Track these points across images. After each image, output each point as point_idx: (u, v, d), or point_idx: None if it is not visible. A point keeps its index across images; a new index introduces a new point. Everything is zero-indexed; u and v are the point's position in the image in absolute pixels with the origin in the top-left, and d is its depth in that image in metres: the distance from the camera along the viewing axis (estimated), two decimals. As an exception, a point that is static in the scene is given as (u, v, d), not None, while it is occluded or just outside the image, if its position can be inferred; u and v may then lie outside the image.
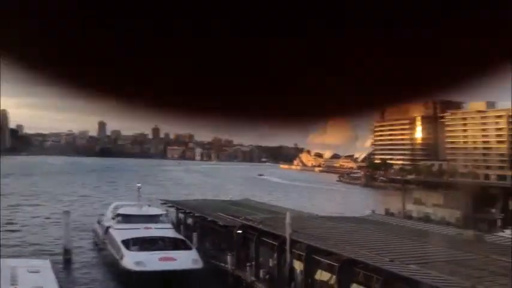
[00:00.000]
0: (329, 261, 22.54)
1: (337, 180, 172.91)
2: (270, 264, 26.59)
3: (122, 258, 28.59)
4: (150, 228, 33.50)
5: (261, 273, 26.27)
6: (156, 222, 35.24)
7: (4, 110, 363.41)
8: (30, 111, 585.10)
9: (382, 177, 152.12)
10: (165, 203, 46.44)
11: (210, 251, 32.48)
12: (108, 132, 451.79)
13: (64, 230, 35.45)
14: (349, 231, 28.13)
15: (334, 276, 21.90)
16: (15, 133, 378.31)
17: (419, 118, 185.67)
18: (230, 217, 34.05)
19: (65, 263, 32.80)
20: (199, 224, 38.06)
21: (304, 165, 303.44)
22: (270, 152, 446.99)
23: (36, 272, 20.89)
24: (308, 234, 25.89)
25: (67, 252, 34.13)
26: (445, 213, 40.24)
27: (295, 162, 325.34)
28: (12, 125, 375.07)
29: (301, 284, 23.78)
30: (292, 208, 38.68)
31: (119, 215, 36.56)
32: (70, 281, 28.28)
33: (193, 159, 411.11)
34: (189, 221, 41.44)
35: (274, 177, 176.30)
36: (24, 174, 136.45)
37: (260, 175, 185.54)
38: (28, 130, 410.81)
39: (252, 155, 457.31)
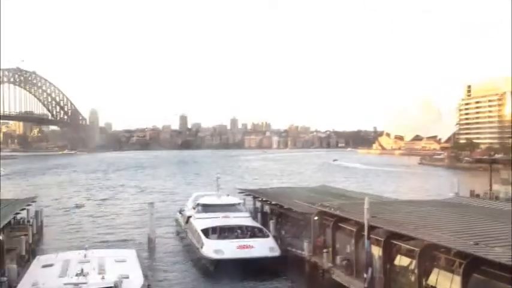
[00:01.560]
0: (409, 246, 21.85)
1: (419, 163, 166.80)
2: (348, 251, 26.20)
3: (201, 246, 29.48)
4: (229, 217, 34.20)
5: (338, 259, 25.97)
6: (234, 211, 35.91)
7: (94, 109, 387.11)
8: (119, 109, 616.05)
9: (467, 158, 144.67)
10: (242, 192, 47.22)
11: (287, 238, 32.57)
12: (189, 125, 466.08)
13: (149, 221, 37.01)
14: (430, 215, 27.05)
15: (414, 262, 21.20)
16: (104, 131, 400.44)
17: (508, 93, 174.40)
18: (307, 204, 33.90)
19: (149, 252, 34.34)
20: (276, 212, 38.28)
21: (383, 148, 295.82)
22: (347, 137, 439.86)
23: (123, 262, 21.86)
24: (387, 220, 25.22)
25: (151, 241, 35.69)
26: (535, 192, 37.59)
27: (374, 146, 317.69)
28: (101, 123, 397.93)
29: (379, 269, 23.23)
30: (369, 193, 37.89)
31: (198, 204, 37.62)
32: (154, 269, 29.51)
33: (270, 147, 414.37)
34: (266, 209, 41.80)
35: (351, 162, 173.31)
36: (114, 169, 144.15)
37: (335, 160, 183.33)
38: (116, 127, 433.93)
39: (329, 141, 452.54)
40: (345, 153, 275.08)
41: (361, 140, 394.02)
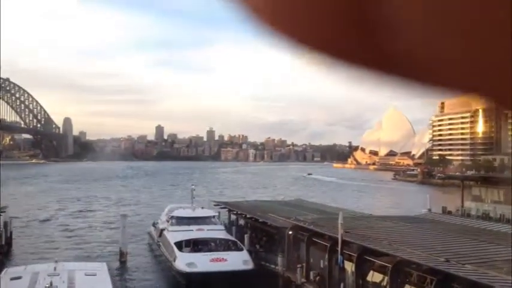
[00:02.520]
0: (381, 262, 22.03)
1: (393, 178, 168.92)
2: (321, 266, 26.27)
3: (174, 259, 29.19)
4: (203, 229, 33.95)
5: (312, 274, 26.00)
6: (208, 223, 35.66)
7: (68, 118, 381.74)
8: (92, 118, 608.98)
9: (440, 174, 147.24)
10: (217, 205, 46.98)
11: (261, 252, 32.49)
12: (165, 136, 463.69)
13: (121, 233, 36.48)
14: (403, 231, 27.39)
15: (386, 278, 21.37)
16: (78, 140, 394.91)
17: (481, 110, 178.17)
18: (282, 218, 33.92)
19: (120, 265, 33.81)
20: (250, 225, 38.20)
21: (358, 163, 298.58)
22: (323, 151, 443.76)
23: (93, 275, 21.51)
24: (360, 235, 25.42)
25: (123, 254, 35.16)
26: (505, 210, 38.35)
27: (349, 160, 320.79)
28: (75, 132, 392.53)
29: (352, 285, 23.35)
30: (343, 208, 38.14)
31: (172, 217, 37.25)
32: (125, 283, 29.06)
33: (246, 160, 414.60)
34: (241, 222, 41.68)
35: (326, 176, 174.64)
36: (88, 179, 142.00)
37: (309, 174, 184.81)
38: (90, 137, 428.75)
39: (305, 155, 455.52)
40: (321, 167, 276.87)
41: (336, 154, 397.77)
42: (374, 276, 22.38)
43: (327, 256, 25.67)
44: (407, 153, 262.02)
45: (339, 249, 24.00)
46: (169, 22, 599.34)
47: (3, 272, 22.70)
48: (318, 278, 25.50)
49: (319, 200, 52.31)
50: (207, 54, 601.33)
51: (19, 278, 20.41)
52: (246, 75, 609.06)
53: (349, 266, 23.85)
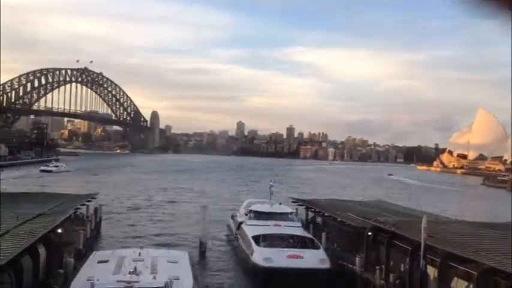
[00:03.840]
0: (467, 269, 20.97)
1: (482, 184, 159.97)
2: (401, 269, 25.43)
3: (251, 253, 29.51)
4: (280, 225, 34.07)
5: (391, 277, 25.23)
6: (285, 220, 35.74)
7: (155, 112, 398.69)
8: (178, 112, 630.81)
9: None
10: (295, 202, 46.99)
11: (338, 251, 32.05)
12: (246, 132, 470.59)
13: (201, 224, 37.50)
14: (490, 238, 25.86)
15: (472, 285, 20.30)
16: (164, 133, 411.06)
17: None
18: (361, 218, 33.29)
19: (200, 255, 34.78)
20: (328, 224, 37.82)
21: (444, 166, 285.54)
22: (407, 152, 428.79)
23: (175, 263, 22.20)
24: (445, 240, 24.34)
25: (202, 245, 36.14)
26: None
27: (434, 163, 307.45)
28: (161, 125, 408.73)
29: (434, 291, 22.42)
30: (426, 211, 36.70)
31: (251, 211, 37.73)
32: (204, 273, 29.81)
33: (326, 158, 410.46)
34: (318, 220, 41.39)
35: (409, 178, 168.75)
36: (173, 171, 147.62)
37: (389, 175, 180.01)
38: (175, 130, 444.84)
39: (388, 155, 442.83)
40: (404, 168, 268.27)
41: (421, 156, 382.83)
42: (458, 283, 21.31)
43: (408, 260, 24.83)
44: (498, 158, 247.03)
45: (422, 253, 23.12)
46: (257, 21, 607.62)
47: (92, 255, 24.09)
48: (398, 281, 24.72)
49: (400, 203, 50.64)
50: (291, 53, 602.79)
51: (106, 261, 21.48)
52: (325, 75, 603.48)
53: (432, 271, 22.91)
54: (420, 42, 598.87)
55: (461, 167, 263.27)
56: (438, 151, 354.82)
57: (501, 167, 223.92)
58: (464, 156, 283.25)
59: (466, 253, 21.55)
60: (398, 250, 26.33)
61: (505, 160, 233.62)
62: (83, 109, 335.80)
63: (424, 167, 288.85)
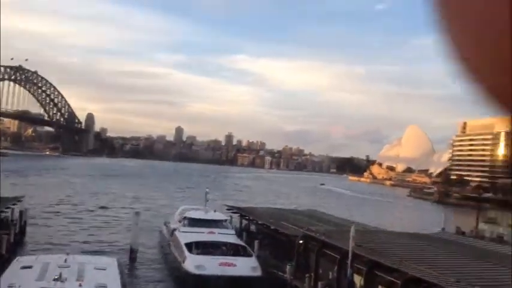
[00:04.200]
0: (391, 278, 21.83)
1: (408, 195, 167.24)
2: (330, 277, 26.15)
3: (183, 260, 29.28)
4: (214, 233, 34.03)
5: (320, 285, 25.86)
6: (220, 227, 35.75)
7: (91, 113, 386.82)
8: (114, 115, 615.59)
9: (456, 194, 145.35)
10: (230, 209, 47.09)
11: (270, 259, 32.43)
12: (185, 138, 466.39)
13: (132, 230, 36.76)
14: (415, 248, 27.10)
15: (395, 294, 21.18)
16: (99, 136, 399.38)
17: (503, 133, 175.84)
18: (293, 226, 33.88)
19: (130, 262, 34.06)
20: (261, 232, 38.19)
21: (374, 177, 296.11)
22: (340, 163, 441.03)
23: (103, 270, 21.64)
24: (371, 249, 25.24)
25: (133, 251, 35.42)
26: (521, 235, 37.71)
27: (365, 174, 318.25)
28: (97, 128, 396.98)
29: (360, 299, 23.21)
30: (355, 221, 37.91)
31: (185, 218, 37.45)
32: (133, 280, 29.26)
33: (262, 166, 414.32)
34: (253, 228, 41.70)
35: (340, 188, 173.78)
36: (106, 175, 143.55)
37: (322, 184, 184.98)
38: (111, 133, 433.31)
39: (322, 166, 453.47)
40: (337, 179, 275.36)
41: (353, 167, 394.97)
42: (382, 292, 22.21)
43: (336, 268, 25.56)
44: (424, 171, 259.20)
45: (349, 262, 23.87)
46: (202, 28, 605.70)
47: (14, 260, 23.03)
48: (325, 288, 25.40)
49: (331, 212, 51.99)
50: (235, 61, 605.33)
51: (30, 267, 20.64)
52: (268, 83, 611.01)
53: (358, 280, 23.71)
54: (360, 56, 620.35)
55: (390, 179, 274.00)
56: (369, 163, 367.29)
57: (427, 179, 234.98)
58: (392, 169, 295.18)
59: (391, 262, 22.46)
60: (327, 258, 27.05)
61: (431, 173, 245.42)
62: (14, 108, 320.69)
63: (355, 178, 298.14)
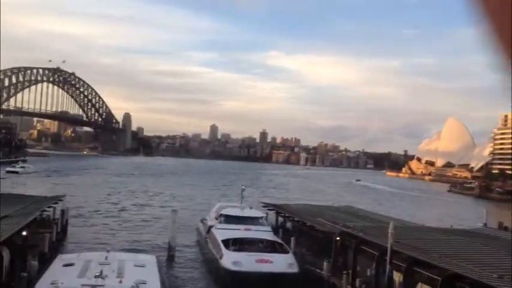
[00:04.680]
0: (431, 275, 21.37)
1: (448, 190, 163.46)
2: (368, 274, 25.80)
3: (221, 257, 29.46)
4: (250, 229, 34.11)
5: (358, 282, 25.56)
6: (256, 224, 35.80)
7: (128, 113, 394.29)
8: (150, 114, 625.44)
9: (498, 189, 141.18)
10: (265, 206, 47.12)
11: (307, 256, 32.27)
12: (219, 136, 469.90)
13: (171, 228, 37.22)
14: (455, 244, 26.47)
15: (435, 291, 20.71)
16: (136, 135, 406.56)
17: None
18: (330, 223, 33.61)
19: (168, 259, 34.52)
20: (297, 228, 38.05)
21: (413, 173, 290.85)
22: (377, 159, 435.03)
23: (142, 267, 21.99)
24: (410, 245, 24.78)
25: (171, 248, 35.88)
26: None
27: (403, 169, 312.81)
28: (134, 127, 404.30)
29: (399, 296, 22.81)
30: (393, 217, 37.31)
31: (221, 215, 37.67)
32: (172, 277, 29.62)
33: (297, 163, 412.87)
34: (288, 224, 41.63)
35: (378, 183, 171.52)
36: (145, 174, 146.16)
37: (357, 180, 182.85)
38: (147, 132, 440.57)
39: (358, 161, 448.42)
40: (374, 174, 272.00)
41: (390, 162, 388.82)
42: (422, 289, 21.76)
43: (374, 265, 25.20)
44: (465, 166, 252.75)
45: (388, 258, 23.49)
46: (233, 25, 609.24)
47: (57, 258, 23.68)
48: (364, 285, 25.06)
49: (368, 208, 51.38)
50: (266, 58, 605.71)
51: (71, 264, 21.15)
52: (301, 79, 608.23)
53: (397, 277, 23.30)
54: (393, 49, 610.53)
55: (429, 174, 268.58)
56: (407, 158, 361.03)
57: (467, 174, 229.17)
58: (432, 163, 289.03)
59: (431, 259, 21.98)
60: (365, 255, 26.69)
61: (472, 168, 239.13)
62: (54, 109, 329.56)
63: (393, 173, 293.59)
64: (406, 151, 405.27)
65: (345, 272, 26.52)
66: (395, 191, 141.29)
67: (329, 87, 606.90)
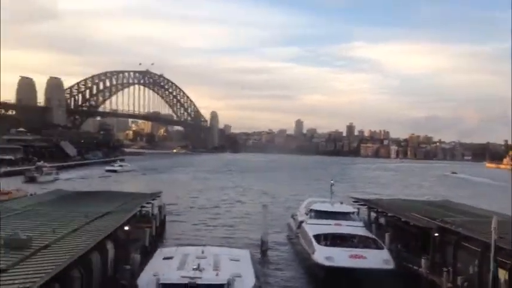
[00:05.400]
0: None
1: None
2: (470, 272, 24.41)
3: (313, 252, 29.24)
4: (342, 225, 33.60)
5: (459, 280, 24.26)
6: (347, 219, 35.21)
7: (214, 112, 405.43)
8: (236, 112, 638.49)
9: None
10: (356, 201, 46.23)
11: (402, 252, 31.20)
12: (305, 131, 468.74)
13: (262, 223, 37.64)
14: None
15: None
16: (223, 132, 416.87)
17: None
18: (426, 218, 32.23)
19: (261, 254, 34.93)
20: (391, 224, 36.89)
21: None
22: (474, 150, 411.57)
23: (237, 261, 22.45)
24: (517, 242, 23.14)
25: (264, 243, 36.27)
26: None
27: (504, 160, 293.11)
28: (220, 125, 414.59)
29: (506, 295, 21.36)
30: (495, 211, 35.02)
31: (311, 210, 37.47)
32: (265, 271, 29.94)
33: (388, 156, 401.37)
34: (381, 220, 40.49)
35: (476, 176, 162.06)
36: (234, 170, 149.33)
37: (453, 173, 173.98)
38: (234, 130, 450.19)
39: (454, 153, 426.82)
40: (472, 166, 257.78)
41: (490, 153, 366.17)
42: (532, 288, 20.23)
43: (477, 262, 23.81)
44: None
45: (492, 255, 22.09)
46: (310, 18, 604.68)
47: (157, 251, 24.83)
48: (466, 283, 23.75)
49: (467, 202, 48.61)
50: (347, 49, 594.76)
51: (171, 258, 22.08)
52: (385, 69, 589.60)
53: (503, 274, 21.85)
54: (482, 34, 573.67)
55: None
56: (508, 148, 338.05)
57: None
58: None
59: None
60: (466, 252, 25.31)
61: None
62: (146, 110, 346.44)
63: (493, 165, 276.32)
64: (506, 141, 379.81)
65: (445, 269, 25.32)
66: (496, 183, 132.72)
67: (417, 76, 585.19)
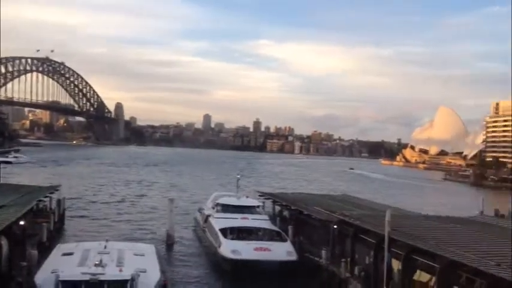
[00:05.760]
0: (429, 262, 21.50)
1: (443, 179, 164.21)
2: (366, 262, 25.92)
3: (219, 246, 29.54)
4: (247, 218, 34.19)
5: (356, 269, 25.69)
6: (253, 213, 35.94)
7: (120, 103, 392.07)
8: (143, 104, 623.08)
9: (492, 176, 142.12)
10: (262, 195, 47.18)
11: (304, 244, 32.40)
12: (213, 125, 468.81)
13: (168, 217, 37.24)
14: (453, 232, 26.58)
15: (434, 278, 20.84)
16: (129, 124, 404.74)
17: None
18: (326, 212, 33.66)
19: (167, 248, 34.56)
20: (294, 217, 38.12)
21: (407, 161, 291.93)
22: (370, 147, 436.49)
23: (141, 256, 21.99)
24: (408, 233, 24.87)
25: (170, 237, 35.90)
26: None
27: (397, 158, 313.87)
28: (126, 117, 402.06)
29: (398, 283, 22.91)
30: (390, 205, 37.45)
31: (218, 204, 37.72)
32: (171, 266, 29.66)
33: (292, 152, 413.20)
34: (285, 213, 41.69)
35: (372, 172, 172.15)
36: (139, 164, 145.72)
37: (351, 169, 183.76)
38: (140, 122, 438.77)
39: (352, 150, 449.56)
40: (368, 163, 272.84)
41: (384, 150, 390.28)
42: (421, 276, 21.85)
43: (372, 253, 25.29)
44: (459, 154, 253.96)
45: (386, 246, 23.58)
46: (225, 14, 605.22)
47: (56, 248, 23.63)
48: (363, 273, 25.19)
49: (364, 197, 51.55)
50: (258, 46, 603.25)
51: (71, 254, 21.13)
52: (292, 69, 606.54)
53: (396, 265, 23.42)
54: (384, 38, 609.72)
55: (423, 162, 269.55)
56: (401, 146, 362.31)
57: (462, 162, 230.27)
58: (426, 152, 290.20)
59: (429, 247, 22.07)
60: (363, 243, 26.77)
61: (466, 156, 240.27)
62: (45, 99, 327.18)
63: (388, 162, 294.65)
64: (399, 139, 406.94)
65: (343, 259, 26.64)
66: (390, 179, 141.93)
67: (321, 76, 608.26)
